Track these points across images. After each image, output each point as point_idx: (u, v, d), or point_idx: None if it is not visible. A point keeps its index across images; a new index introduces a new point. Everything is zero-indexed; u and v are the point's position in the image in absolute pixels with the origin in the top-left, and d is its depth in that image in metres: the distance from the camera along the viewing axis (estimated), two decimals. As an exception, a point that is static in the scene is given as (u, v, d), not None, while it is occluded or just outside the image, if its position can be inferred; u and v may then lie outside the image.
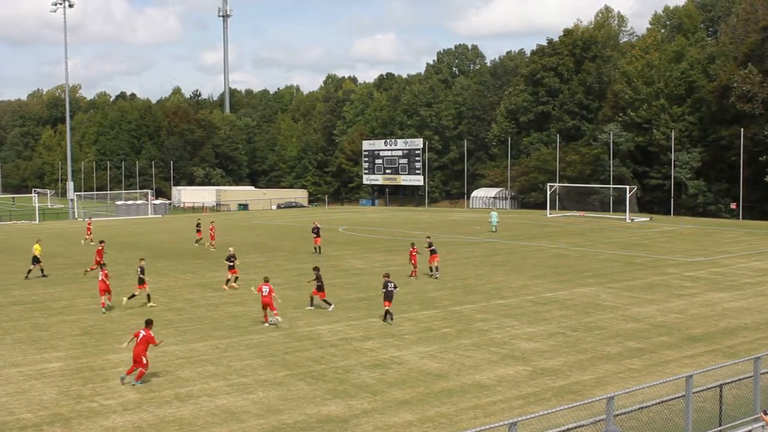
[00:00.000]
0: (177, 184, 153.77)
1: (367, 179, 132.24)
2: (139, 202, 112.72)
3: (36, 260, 44.96)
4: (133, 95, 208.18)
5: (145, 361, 23.19)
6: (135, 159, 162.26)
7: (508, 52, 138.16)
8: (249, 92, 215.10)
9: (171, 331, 29.78)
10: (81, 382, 23.14)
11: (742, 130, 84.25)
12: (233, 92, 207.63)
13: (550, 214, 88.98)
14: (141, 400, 21.57)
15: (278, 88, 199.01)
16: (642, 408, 16.54)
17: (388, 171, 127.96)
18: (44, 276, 44.43)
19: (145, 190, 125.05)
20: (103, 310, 33.93)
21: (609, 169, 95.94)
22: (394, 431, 19.21)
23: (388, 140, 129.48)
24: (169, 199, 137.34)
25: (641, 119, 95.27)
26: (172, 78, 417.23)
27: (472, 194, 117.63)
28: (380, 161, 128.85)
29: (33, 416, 20.27)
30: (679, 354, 26.14)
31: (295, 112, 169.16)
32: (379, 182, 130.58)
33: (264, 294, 31.04)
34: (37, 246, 46.17)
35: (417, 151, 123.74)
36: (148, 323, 23.93)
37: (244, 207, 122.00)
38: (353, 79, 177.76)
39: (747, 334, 29.07)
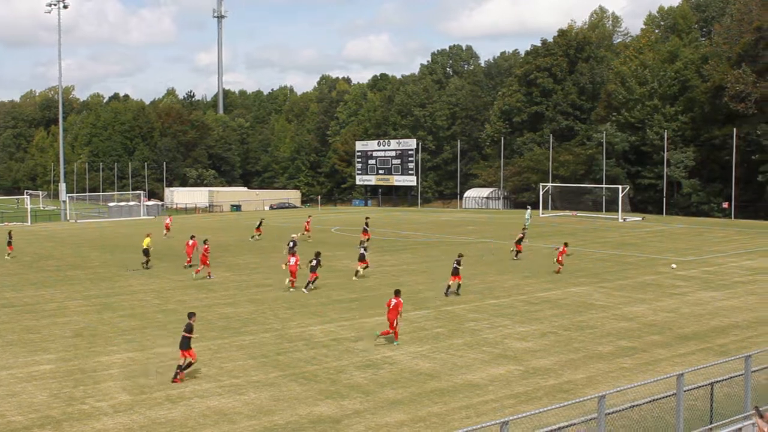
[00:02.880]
0: (170, 185, 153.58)
1: (360, 180, 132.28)
2: (131, 203, 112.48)
3: (146, 252, 47.67)
4: (126, 96, 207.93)
5: (395, 325, 27.51)
6: (128, 160, 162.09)
7: (502, 53, 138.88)
8: (243, 93, 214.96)
9: (163, 333, 29.76)
10: (72, 385, 23.08)
11: (734, 129, 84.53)
12: (227, 93, 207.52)
13: (542, 213, 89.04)
14: (132, 402, 21.52)
15: (272, 89, 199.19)
16: (633, 406, 16.55)
17: (381, 171, 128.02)
18: (146, 268, 47.00)
19: (138, 192, 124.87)
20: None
21: (603, 169, 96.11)
22: (386, 431, 19.20)
23: (381, 141, 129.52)
24: (162, 200, 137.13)
25: (634, 119, 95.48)
26: (166, 79, 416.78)
27: (465, 194, 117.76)
28: (373, 162, 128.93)
29: (24, 419, 20.20)
30: (670, 353, 26.17)
31: (288, 112, 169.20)
32: (372, 183, 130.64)
33: (291, 264, 38.98)
34: (147, 239, 48.43)
35: (410, 152, 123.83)
36: (398, 293, 28.26)
37: (237, 208, 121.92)
38: (347, 80, 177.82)
39: (738, 332, 29.13)
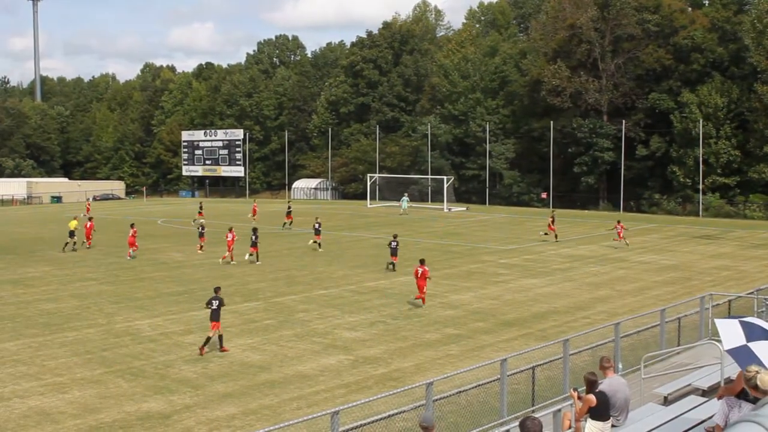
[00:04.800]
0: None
1: (187, 170, 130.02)
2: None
3: (72, 234, 50.35)
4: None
5: (425, 291, 32.27)
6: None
7: (329, 44, 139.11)
8: (62, 80, 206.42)
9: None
10: None
11: (551, 122, 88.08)
12: (44, 80, 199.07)
13: (370, 204, 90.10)
14: (-54, 403, 20.49)
15: (93, 77, 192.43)
16: (460, 392, 17.08)
17: (208, 162, 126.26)
18: (73, 250, 50.28)
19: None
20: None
21: (428, 160, 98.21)
22: (216, 425, 19.04)
23: (207, 131, 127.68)
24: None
25: (458, 112, 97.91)
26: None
27: (294, 185, 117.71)
28: (200, 152, 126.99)
29: None
30: (494, 339, 27.06)
31: (111, 101, 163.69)
32: (199, 173, 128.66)
33: (228, 239, 44.30)
34: (73, 221, 51.49)
35: (237, 142, 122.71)
36: (423, 261, 32.69)
37: (57, 200, 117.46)
38: (171, 68, 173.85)
39: (557, 317, 30.42)
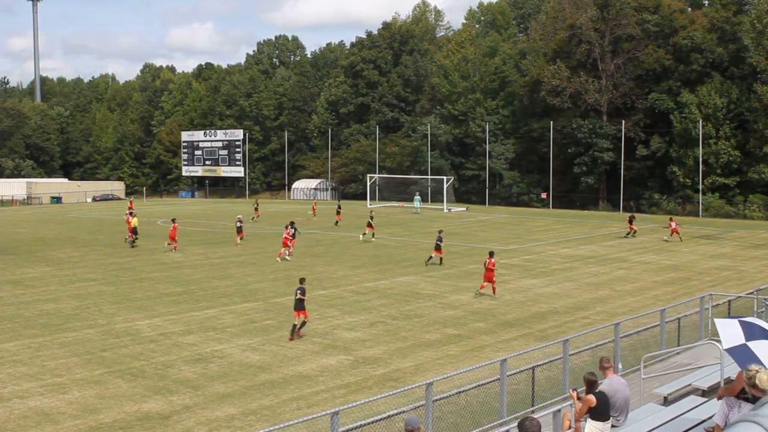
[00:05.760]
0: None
1: (187, 171, 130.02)
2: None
3: (134, 231, 52.57)
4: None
5: (493, 279, 34.25)
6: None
7: (328, 44, 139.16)
8: (61, 80, 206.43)
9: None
10: None
11: (551, 123, 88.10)
12: (44, 80, 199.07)
13: (370, 204, 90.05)
14: (-54, 404, 20.46)
15: (92, 77, 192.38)
16: (460, 392, 17.05)
17: (207, 162, 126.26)
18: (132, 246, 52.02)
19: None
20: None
21: (428, 160, 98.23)
22: (216, 425, 19.01)
23: (207, 131, 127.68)
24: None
25: (458, 112, 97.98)
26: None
27: (293, 185, 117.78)
28: (200, 152, 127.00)
29: None
30: (494, 339, 27.04)
31: (110, 101, 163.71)
32: (199, 174, 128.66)
33: (284, 237, 46.25)
34: (134, 219, 53.97)
35: (237, 142, 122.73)
36: (492, 254, 34.70)
37: (57, 200, 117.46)
38: (171, 69, 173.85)
39: (556, 318, 30.40)
